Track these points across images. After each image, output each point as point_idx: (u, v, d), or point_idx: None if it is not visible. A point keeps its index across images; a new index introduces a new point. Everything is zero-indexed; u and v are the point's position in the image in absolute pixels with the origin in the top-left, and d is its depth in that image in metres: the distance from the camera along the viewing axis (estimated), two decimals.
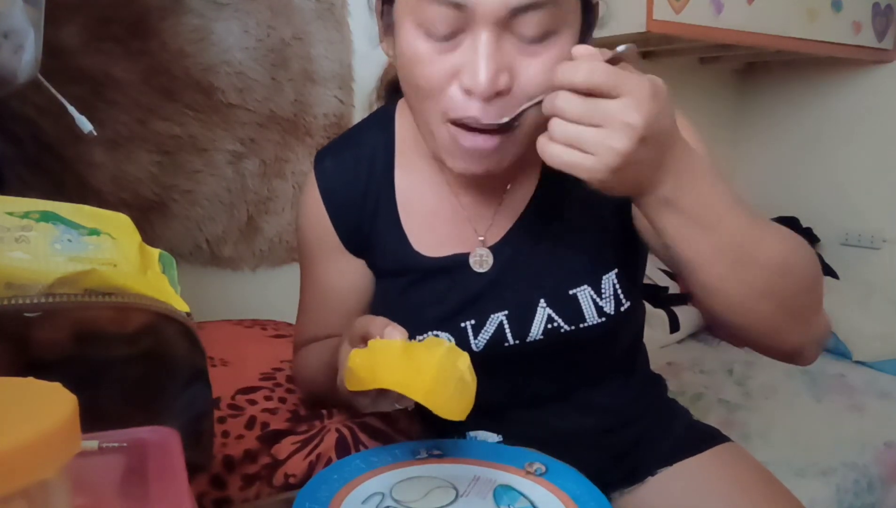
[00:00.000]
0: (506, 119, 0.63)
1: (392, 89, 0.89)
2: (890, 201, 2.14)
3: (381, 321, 0.65)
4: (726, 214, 0.57)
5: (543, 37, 0.62)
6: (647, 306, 1.56)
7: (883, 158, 2.14)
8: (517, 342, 0.78)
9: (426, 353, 0.61)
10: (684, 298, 1.91)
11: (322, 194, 0.82)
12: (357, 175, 0.81)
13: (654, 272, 1.91)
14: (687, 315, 1.90)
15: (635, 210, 0.76)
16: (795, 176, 2.35)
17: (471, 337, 0.78)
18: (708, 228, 0.57)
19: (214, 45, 1.28)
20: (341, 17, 1.44)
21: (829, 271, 2.19)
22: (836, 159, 2.25)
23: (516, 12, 0.60)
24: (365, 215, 0.81)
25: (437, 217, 0.80)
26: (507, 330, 0.78)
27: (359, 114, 1.45)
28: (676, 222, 0.57)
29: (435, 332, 0.78)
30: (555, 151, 0.53)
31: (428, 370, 0.58)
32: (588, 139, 0.51)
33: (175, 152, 1.27)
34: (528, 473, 0.68)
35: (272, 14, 1.35)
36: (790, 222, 2.29)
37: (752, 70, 2.42)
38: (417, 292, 0.80)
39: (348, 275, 0.84)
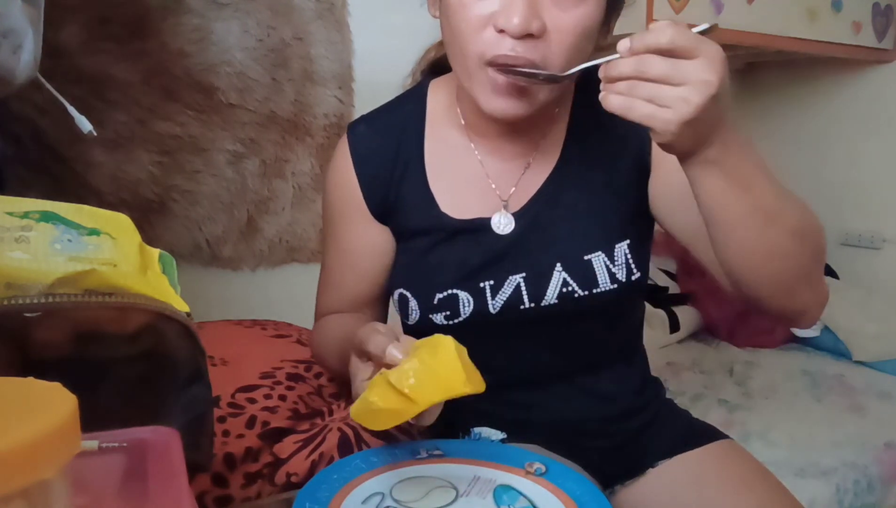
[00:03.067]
0: (540, 72, 0.70)
1: (429, 71, 0.94)
2: (890, 201, 2.14)
3: (382, 339, 0.65)
4: (758, 179, 0.62)
5: None
6: (648, 306, 1.56)
7: (883, 158, 2.14)
8: (532, 304, 0.81)
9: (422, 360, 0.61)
10: (684, 298, 1.91)
11: (353, 158, 0.86)
12: (389, 141, 0.86)
13: (654, 273, 1.91)
14: (687, 315, 1.90)
15: (654, 189, 0.81)
16: (795, 176, 2.34)
17: (489, 298, 0.81)
18: (744, 190, 0.62)
19: (214, 45, 1.28)
20: (341, 17, 1.44)
21: (829, 271, 2.19)
22: (837, 159, 2.25)
23: None
24: (393, 180, 0.85)
25: (464, 182, 0.85)
26: (524, 292, 0.81)
27: (358, 114, 1.46)
28: (718, 184, 0.62)
29: (453, 291, 0.81)
30: (634, 104, 0.57)
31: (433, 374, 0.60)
32: (667, 95, 0.56)
33: (175, 152, 1.27)
34: (528, 473, 0.68)
35: (272, 14, 1.35)
36: None
37: (752, 70, 2.42)
38: (440, 252, 0.84)
39: (370, 238, 0.87)
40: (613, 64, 0.58)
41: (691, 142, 0.59)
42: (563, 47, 0.70)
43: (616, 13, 0.78)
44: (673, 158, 0.71)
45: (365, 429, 0.84)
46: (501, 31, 0.69)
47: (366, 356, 0.67)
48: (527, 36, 0.68)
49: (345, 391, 0.96)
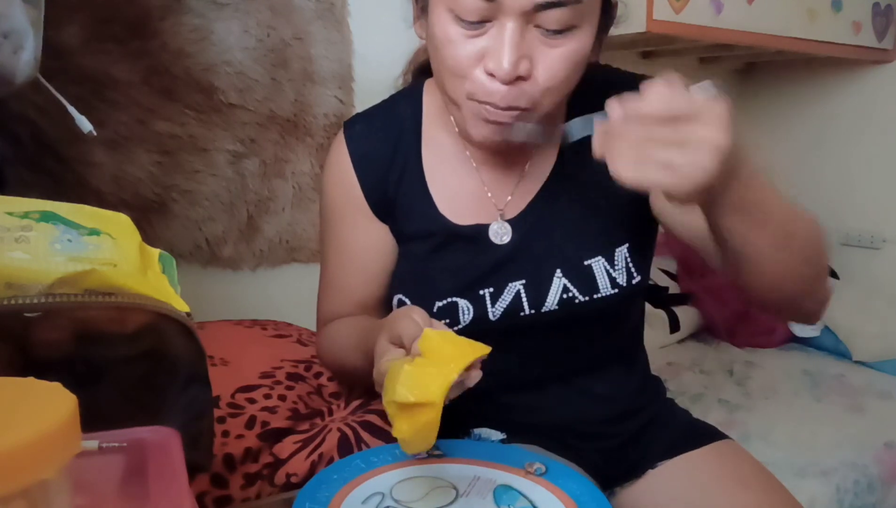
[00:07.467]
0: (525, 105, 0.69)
1: (420, 72, 0.93)
2: (890, 201, 2.14)
3: (414, 328, 0.63)
4: (775, 208, 0.63)
5: (564, 30, 0.68)
6: (648, 306, 1.56)
7: (883, 158, 2.14)
8: (533, 311, 0.81)
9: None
10: (684, 298, 1.91)
11: (351, 154, 0.85)
12: (386, 139, 0.85)
13: (654, 273, 1.91)
14: (687, 315, 1.89)
15: (656, 196, 0.80)
16: (795, 176, 2.35)
17: (489, 305, 0.81)
18: (764, 224, 0.63)
19: (214, 45, 1.28)
20: (341, 17, 1.44)
21: (829, 271, 2.19)
22: (836, 159, 2.25)
23: (541, 8, 0.66)
24: (391, 178, 0.84)
25: (461, 188, 0.84)
26: (524, 299, 0.81)
27: None
28: (739, 222, 0.62)
29: (453, 299, 0.81)
30: (646, 172, 0.55)
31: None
32: (678, 161, 0.54)
33: (175, 152, 1.27)
34: (528, 473, 0.68)
35: (272, 14, 1.34)
36: None
37: (752, 70, 2.42)
38: (440, 258, 0.83)
39: (372, 237, 0.86)
40: (613, 129, 0.56)
41: (706, 196, 0.59)
42: (553, 84, 0.69)
43: (607, 31, 0.77)
44: None
45: (365, 430, 0.84)
46: (490, 74, 0.68)
47: (398, 339, 0.64)
48: (516, 78, 0.68)
49: (345, 390, 0.96)
